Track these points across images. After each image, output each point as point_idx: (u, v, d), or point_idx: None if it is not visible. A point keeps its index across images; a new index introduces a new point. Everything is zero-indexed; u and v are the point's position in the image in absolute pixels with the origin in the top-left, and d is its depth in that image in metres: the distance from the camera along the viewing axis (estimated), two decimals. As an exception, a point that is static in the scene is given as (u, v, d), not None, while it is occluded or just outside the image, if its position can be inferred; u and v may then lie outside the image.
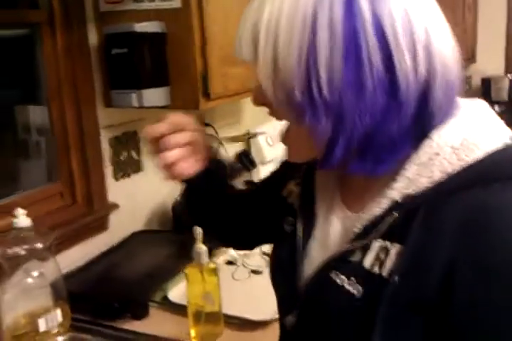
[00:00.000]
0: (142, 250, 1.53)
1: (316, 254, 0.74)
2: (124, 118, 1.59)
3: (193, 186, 0.89)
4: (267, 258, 1.47)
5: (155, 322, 1.27)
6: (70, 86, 1.41)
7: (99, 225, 1.53)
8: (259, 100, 0.66)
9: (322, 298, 0.68)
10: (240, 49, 0.64)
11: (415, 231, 0.58)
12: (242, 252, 1.56)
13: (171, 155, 0.80)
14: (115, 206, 1.56)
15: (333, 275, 0.66)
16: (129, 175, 1.62)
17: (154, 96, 1.36)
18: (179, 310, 1.28)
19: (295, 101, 0.60)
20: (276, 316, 1.17)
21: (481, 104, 0.66)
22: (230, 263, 1.54)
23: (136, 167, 1.64)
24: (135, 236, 1.62)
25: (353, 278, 0.64)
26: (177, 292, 1.36)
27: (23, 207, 1.33)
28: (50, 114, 1.41)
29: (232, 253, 1.56)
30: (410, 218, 0.59)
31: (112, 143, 1.55)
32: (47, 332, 1.18)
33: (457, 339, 0.58)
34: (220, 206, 0.94)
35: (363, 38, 0.56)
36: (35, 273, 1.18)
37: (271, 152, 2.16)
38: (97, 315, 1.26)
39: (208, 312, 1.16)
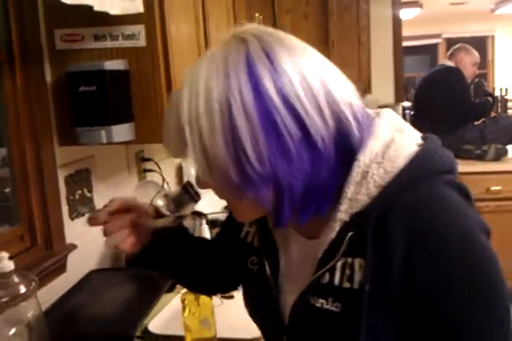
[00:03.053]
0: (105, 288, 1.50)
1: (288, 285, 0.82)
2: (76, 156, 1.57)
3: (141, 256, 0.93)
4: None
5: (143, 357, 1.26)
6: (29, 126, 1.38)
7: (59, 267, 1.48)
8: (204, 185, 0.73)
9: (308, 322, 0.76)
10: (172, 151, 0.73)
11: (370, 243, 0.68)
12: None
13: (115, 237, 0.88)
14: (73, 246, 1.52)
15: (311, 300, 0.75)
16: (82, 214, 1.59)
17: (122, 131, 1.38)
18: (162, 340, 1.29)
19: (234, 183, 0.68)
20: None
21: (388, 112, 0.77)
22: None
23: (89, 205, 1.62)
24: (92, 276, 1.58)
25: (330, 298, 0.73)
26: (156, 323, 1.36)
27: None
28: (9, 153, 1.37)
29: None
30: (363, 232, 0.69)
31: (66, 182, 1.52)
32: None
33: (432, 329, 0.68)
34: (182, 261, 0.98)
35: (276, 113, 0.65)
36: (16, 321, 1.13)
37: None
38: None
39: (206, 337, 1.18)
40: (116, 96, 1.36)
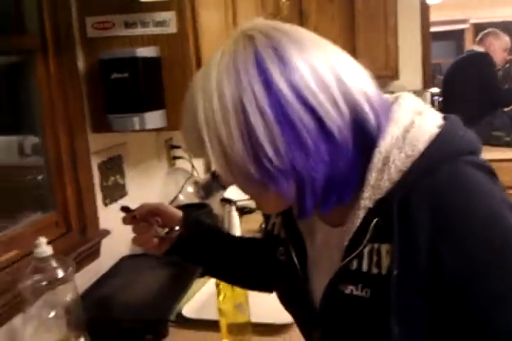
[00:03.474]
0: (138, 274, 1.53)
1: (317, 273, 0.82)
2: (108, 143, 1.59)
3: (176, 247, 0.97)
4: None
5: (177, 339, 1.28)
6: (63, 113, 1.39)
7: (93, 253, 1.50)
8: (228, 182, 0.73)
9: (339, 309, 0.77)
10: (192, 151, 0.73)
11: (395, 228, 0.68)
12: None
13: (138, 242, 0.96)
14: (107, 232, 1.54)
15: (341, 287, 0.75)
16: (116, 200, 1.61)
17: (154, 118, 1.39)
18: (196, 325, 1.31)
19: (254, 179, 0.68)
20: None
21: (406, 96, 0.76)
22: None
23: (122, 192, 1.64)
24: (125, 261, 1.61)
25: (359, 284, 0.73)
26: (190, 308, 1.38)
27: (22, 239, 1.30)
28: (43, 143, 1.39)
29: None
30: (388, 218, 0.69)
31: (100, 169, 1.54)
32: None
33: (461, 313, 0.68)
34: (215, 254, 1.01)
35: (289, 107, 0.65)
36: (55, 304, 1.15)
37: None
38: (117, 340, 1.25)
39: (240, 322, 1.19)
40: (148, 83, 1.37)
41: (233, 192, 2.02)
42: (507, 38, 3.71)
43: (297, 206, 0.73)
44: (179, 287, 1.41)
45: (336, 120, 0.67)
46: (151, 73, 1.38)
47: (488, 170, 0.72)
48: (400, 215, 0.68)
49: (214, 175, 1.88)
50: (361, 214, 0.72)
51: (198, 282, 1.48)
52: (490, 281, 0.67)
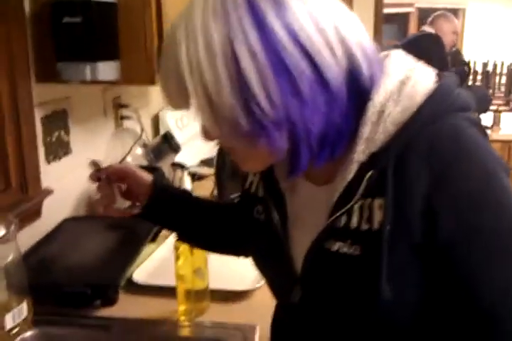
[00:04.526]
0: (83, 236, 1.43)
1: (298, 232, 0.78)
2: (52, 96, 1.46)
3: (146, 211, 0.94)
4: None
5: (127, 306, 1.20)
6: (5, 58, 1.26)
7: (34, 212, 1.39)
8: (210, 137, 0.69)
9: (324, 268, 0.73)
10: (173, 102, 0.68)
11: (390, 181, 0.65)
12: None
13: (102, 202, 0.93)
14: (49, 191, 1.43)
15: (327, 245, 0.71)
16: (60, 158, 1.49)
17: (107, 69, 1.28)
18: (148, 291, 1.24)
19: (244, 131, 0.63)
20: (256, 286, 1.21)
21: (397, 52, 0.74)
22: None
23: (66, 149, 1.52)
24: (67, 223, 1.50)
25: (348, 241, 0.69)
26: (141, 274, 1.30)
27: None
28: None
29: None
30: (383, 171, 0.66)
31: (43, 123, 1.41)
32: (11, 330, 1.05)
33: (453, 266, 0.65)
34: (187, 217, 0.97)
35: (284, 51, 0.61)
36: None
37: (181, 135, 2.13)
38: (61, 305, 1.15)
39: (199, 288, 1.13)
40: (102, 30, 1.26)
41: (185, 157, 1.94)
42: (456, 21, 3.77)
43: (290, 162, 0.67)
44: (129, 251, 1.32)
45: (333, 68, 0.62)
46: (106, 19, 1.27)
47: (483, 130, 0.70)
48: (396, 168, 0.65)
49: (166, 138, 1.80)
50: (354, 168, 0.67)
51: (148, 247, 1.40)
52: (484, 241, 0.64)
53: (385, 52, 0.74)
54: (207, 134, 0.69)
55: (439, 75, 0.71)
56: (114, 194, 0.92)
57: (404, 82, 0.68)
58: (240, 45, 0.59)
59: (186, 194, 1.01)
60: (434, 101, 0.66)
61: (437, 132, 0.65)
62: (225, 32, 0.59)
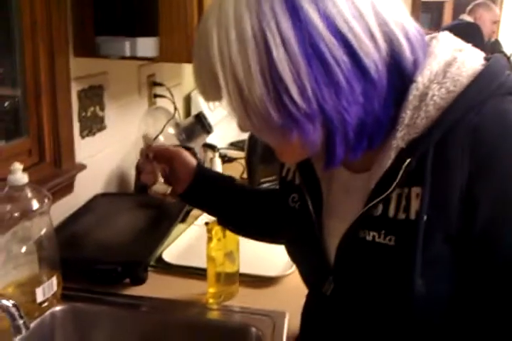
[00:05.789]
0: (114, 213, 1.42)
1: (333, 221, 0.76)
2: (90, 71, 1.44)
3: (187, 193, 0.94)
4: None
5: (155, 285, 1.19)
6: (45, 31, 1.24)
7: (66, 187, 1.39)
8: (245, 129, 0.66)
9: (357, 258, 0.71)
10: (207, 94, 0.66)
11: (429, 169, 0.63)
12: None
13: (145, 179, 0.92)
14: (83, 166, 1.42)
15: (361, 234, 0.69)
16: (94, 134, 1.48)
17: (146, 45, 1.26)
18: (178, 271, 1.23)
19: (276, 124, 0.60)
20: (287, 272, 1.19)
21: (445, 33, 0.70)
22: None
23: (100, 125, 1.51)
24: (98, 199, 1.49)
25: (382, 230, 0.67)
26: (171, 253, 1.29)
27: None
28: (21, 63, 1.23)
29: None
30: (422, 158, 0.63)
31: (79, 97, 1.40)
32: (41, 303, 1.05)
33: (487, 261, 0.64)
34: (225, 201, 0.97)
35: (320, 40, 0.57)
36: (26, 238, 1.04)
37: (212, 117, 2.11)
38: (91, 282, 1.15)
39: (229, 271, 1.12)
40: (143, 5, 1.23)
41: (214, 139, 1.92)
42: (497, 11, 3.66)
43: (325, 155, 0.65)
44: (159, 230, 1.32)
45: (373, 54, 0.59)
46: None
47: None
48: (436, 156, 0.62)
49: (198, 119, 1.78)
50: (392, 155, 0.65)
51: (178, 227, 1.39)
52: None
53: (432, 34, 0.70)
54: (241, 127, 0.67)
55: (488, 58, 0.67)
56: (156, 174, 0.91)
57: (450, 63, 0.64)
58: (272, 34, 0.57)
59: (229, 179, 0.99)
60: (481, 83, 0.63)
61: (482, 117, 0.62)
62: (257, 20, 0.57)
